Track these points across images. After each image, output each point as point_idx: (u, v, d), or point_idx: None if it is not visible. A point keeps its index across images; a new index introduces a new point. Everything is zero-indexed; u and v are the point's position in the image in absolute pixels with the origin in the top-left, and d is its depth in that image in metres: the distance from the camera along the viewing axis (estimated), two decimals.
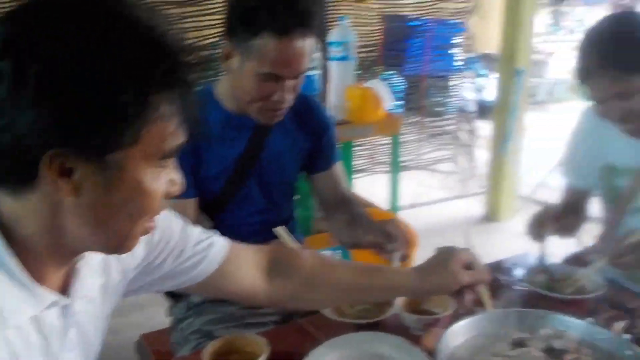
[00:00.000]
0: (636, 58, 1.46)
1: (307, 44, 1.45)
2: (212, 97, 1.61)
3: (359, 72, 4.18)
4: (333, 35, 2.41)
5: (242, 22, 1.44)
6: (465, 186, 4.71)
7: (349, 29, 2.47)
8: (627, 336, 1.17)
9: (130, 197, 0.75)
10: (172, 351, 1.65)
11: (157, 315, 1.74)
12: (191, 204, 1.59)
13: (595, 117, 1.64)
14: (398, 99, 4.83)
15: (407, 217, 4.03)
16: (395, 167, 2.68)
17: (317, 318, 1.40)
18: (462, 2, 4.40)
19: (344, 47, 2.40)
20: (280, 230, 1.47)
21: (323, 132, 1.74)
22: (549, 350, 1.05)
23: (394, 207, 2.67)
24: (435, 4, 4.33)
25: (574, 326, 1.16)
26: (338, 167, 1.79)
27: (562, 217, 1.66)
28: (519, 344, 1.06)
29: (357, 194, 2.87)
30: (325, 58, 2.47)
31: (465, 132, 4.62)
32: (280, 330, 1.44)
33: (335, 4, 3.82)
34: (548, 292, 1.46)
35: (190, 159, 1.56)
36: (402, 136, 4.36)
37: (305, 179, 1.81)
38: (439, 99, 4.76)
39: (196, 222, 1.57)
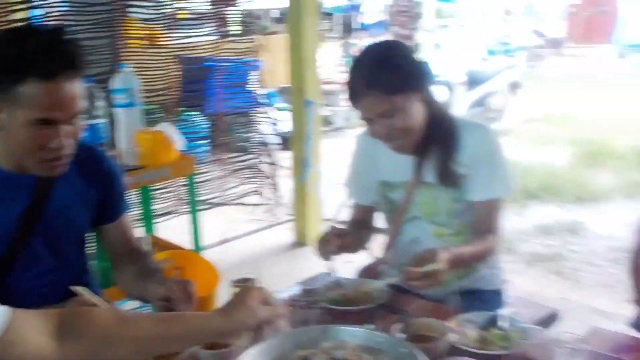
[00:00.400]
0: (394, 80, 1.64)
1: (76, 86, 1.43)
2: None
3: (161, 115, 4.20)
4: (116, 83, 2.40)
5: (3, 72, 1.39)
6: (273, 216, 4.87)
7: (132, 75, 2.48)
8: (402, 335, 1.32)
9: None
10: None
11: None
12: None
13: (368, 138, 1.81)
14: (202, 138, 4.93)
15: (218, 253, 4.10)
16: (194, 206, 2.72)
17: None
18: (247, 42, 4.60)
19: (128, 94, 2.40)
20: (79, 289, 1.43)
21: (110, 181, 1.71)
22: None
23: (197, 247, 2.70)
24: (221, 45, 4.48)
25: (353, 335, 1.29)
26: (126, 218, 1.77)
27: (346, 234, 1.77)
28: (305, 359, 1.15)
29: (165, 241, 2.87)
30: (110, 106, 2.45)
31: (268, 164, 4.80)
32: None
33: (120, 49, 3.78)
34: (337, 306, 1.59)
35: None
36: (207, 174, 4.45)
37: (94, 231, 1.76)
38: (240, 134, 4.90)
39: None
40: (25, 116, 1.39)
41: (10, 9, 3.30)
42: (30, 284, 1.59)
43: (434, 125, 1.75)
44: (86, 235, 1.74)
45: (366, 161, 1.94)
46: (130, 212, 1.81)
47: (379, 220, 2.02)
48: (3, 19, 3.17)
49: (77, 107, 1.44)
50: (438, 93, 1.82)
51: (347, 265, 1.89)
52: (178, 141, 2.44)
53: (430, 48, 8.66)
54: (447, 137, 1.76)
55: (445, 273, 1.52)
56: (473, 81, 7.91)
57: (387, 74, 1.65)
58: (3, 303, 1.49)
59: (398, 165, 1.83)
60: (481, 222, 1.78)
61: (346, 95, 1.74)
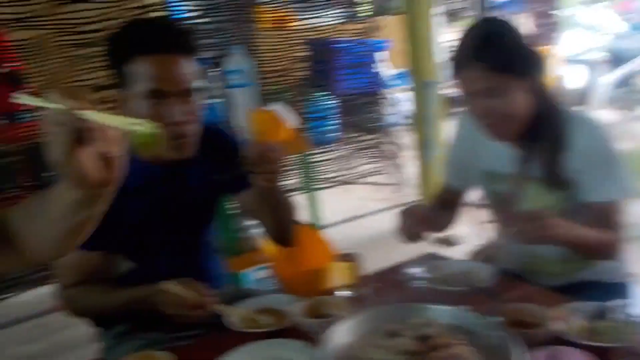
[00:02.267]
0: (500, 57, 1.58)
1: (183, 62, 1.51)
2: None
3: (290, 95, 4.33)
4: (230, 64, 2.50)
5: (115, 58, 1.52)
6: (400, 196, 4.86)
7: (245, 56, 2.57)
8: (496, 319, 1.29)
9: None
10: None
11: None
12: (97, 255, 1.62)
13: (470, 122, 1.75)
14: (329, 118, 5.02)
15: (342, 231, 4.18)
16: (310, 184, 2.79)
17: (226, 331, 1.49)
18: (375, 22, 4.59)
19: (242, 74, 2.49)
20: (166, 285, 1.52)
21: (235, 152, 1.73)
22: (422, 338, 1.16)
23: (315, 223, 2.77)
24: (349, 26, 4.50)
25: (444, 314, 1.28)
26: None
27: (430, 214, 1.75)
28: (392, 334, 1.17)
29: None
30: (226, 86, 2.56)
31: (392, 144, 4.79)
32: (195, 346, 1.53)
33: (245, 32, 3.93)
34: (440, 286, 1.58)
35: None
36: (332, 152, 4.53)
37: (230, 200, 1.87)
38: (366, 115, 4.93)
39: (99, 268, 1.65)
40: (136, 92, 1.49)
41: None
42: (163, 261, 1.72)
43: (541, 118, 1.66)
44: (213, 216, 1.85)
45: (467, 146, 1.87)
46: None
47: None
48: (137, 4, 3.37)
49: (186, 82, 1.51)
50: (577, 73, 1.72)
51: (456, 249, 1.87)
52: (290, 119, 2.49)
53: (570, 25, 8.09)
54: (556, 133, 1.66)
55: (552, 226, 1.47)
56: (616, 60, 7.30)
57: (494, 50, 1.59)
58: (138, 280, 1.66)
59: (502, 156, 1.76)
60: (598, 224, 1.64)
61: (450, 65, 1.67)
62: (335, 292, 1.64)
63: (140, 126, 0.95)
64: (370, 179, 4.86)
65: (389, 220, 4.38)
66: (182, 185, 1.70)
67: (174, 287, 1.48)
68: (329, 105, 4.99)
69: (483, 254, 1.96)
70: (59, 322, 3.36)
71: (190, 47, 1.55)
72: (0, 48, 3.22)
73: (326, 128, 4.90)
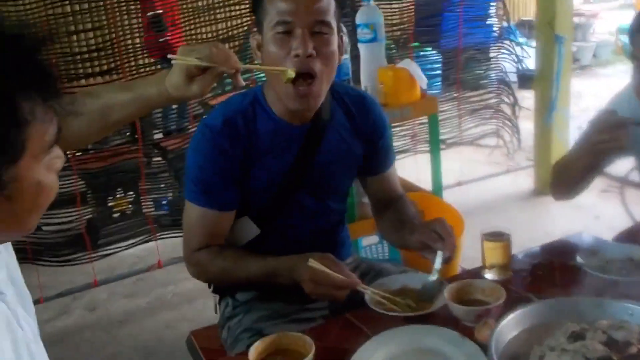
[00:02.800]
0: None
1: None
2: (262, 103, 1.55)
3: (394, 50, 4.11)
4: (360, 17, 2.34)
5: None
6: (512, 160, 4.59)
7: (376, 9, 2.39)
8: None
9: (33, 197, 0.81)
10: (222, 349, 1.65)
11: (206, 309, 1.75)
12: (229, 216, 1.57)
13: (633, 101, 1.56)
14: (435, 75, 4.76)
15: (453, 196, 3.99)
16: (435, 147, 2.61)
17: (365, 312, 1.37)
18: None
19: (372, 29, 2.32)
20: (312, 263, 1.37)
21: (380, 136, 1.67)
22: (610, 343, 0.99)
23: (437, 189, 2.60)
24: None
25: (629, 312, 1.09)
26: (392, 170, 1.74)
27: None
28: (576, 336, 1.00)
29: (405, 181, 2.83)
30: (355, 41, 2.41)
31: (507, 104, 4.48)
32: (328, 325, 1.41)
33: None
34: (604, 274, 1.39)
35: (237, 172, 1.52)
36: (442, 113, 4.29)
37: (358, 179, 1.76)
38: (478, 71, 4.63)
39: (228, 229, 1.58)
40: (269, 25, 1.41)
41: None
42: (292, 229, 1.63)
43: None
44: (349, 188, 1.75)
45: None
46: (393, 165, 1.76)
47: None
48: None
49: (319, 14, 1.40)
50: None
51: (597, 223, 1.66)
52: (421, 79, 2.33)
53: None
54: None
55: None
56: None
57: None
58: (264, 245, 1.58)
59: None
60: None
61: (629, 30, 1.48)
62: (483, 274, 1.49)
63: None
64: (481, 141, 4.60)
65: (499, 186, 4.18)
66: (323, 147, 1.57)
67: (320, 265, 1.35)
68: (437, 62, 4.73)
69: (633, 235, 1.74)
70: (164, 278, 3.45)
71: None
72: None
73: (433, 86, 4.66)
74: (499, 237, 1.48)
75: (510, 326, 1.11)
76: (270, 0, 1.41)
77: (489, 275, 1.48)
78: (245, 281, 1.53)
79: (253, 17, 1.53)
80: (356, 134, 1.62)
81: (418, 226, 1.50)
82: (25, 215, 0.82)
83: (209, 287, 1.74)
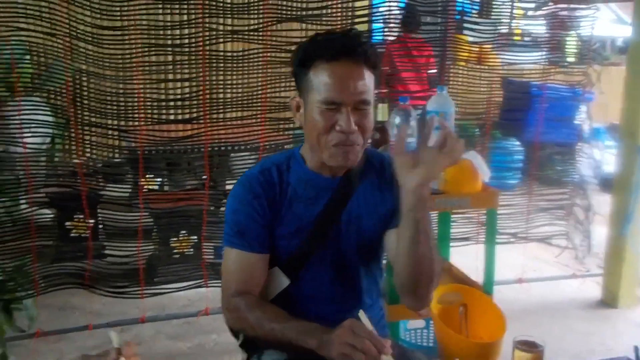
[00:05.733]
0: None
1: (361, 73, 1.51)
2: (297, 158, 1.67)
3: (476, 137, 4.11)
4: (430, 105, 2.38)
5: (298, 64, 1.55)
6: (581, 265, 4.40)
7: (448, 98, 2.42)
8: None
9: None
10: None
11: None
12: (262, 259, 1.63)
13: None
14: (514, 168, 4.70)
15: (513, 292, 3.86)
16: (491, 242, 2.56)
17: None
18: (581, 71, 4.19)
19: (442, 117, 2.35)
20: (362, 314, 1.40)
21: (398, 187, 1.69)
22: None
23: (488, 283, 2.53)
24: (551, 72, 4.15)
25: None
26: None
27: None
28: None
29: (458, 271, 2.78)
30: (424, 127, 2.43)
31: (582, 206, 4.34)
32: None
33: (444, 70, 3.79)
34: None
35: (268, 216, 1.61)
36: (512, 206, 4.20)
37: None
38: (557, 169, 4.53)
39: (264, 277, 1.63)
40: (314, 100, 1.52)
41: (351, 19, 3.55)
42: (316, 285, 1.66)
43: None
44: (378, 248, 1.73)
45: None
46: None
47: None
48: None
49: (362, 95, 1.52)
50: None
51: None
52: (484, 172, 2.33)
53: None
54: None
55: None
56: None
57: None
58: (292, 298, 1.61)
59: None
60: None
61: None
62: None
63: None
64: (549, 240, 4.45)
65: (566, 290, 4.01)
66: (352, 201, 1.65)
67: (366, 319, 1.37)
68: (517, 154, 4.67)
69: None
70: (209, 325, 3.48)
71: (372, 59, 1.54)
72: None
73: (509, 177, 4.60)
74: (532, 348, 1.43)
75: None
76: (317, 75, 1.52)
77: None
78: (277, 336, 1.53)
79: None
80: (385, 192, 1.66)
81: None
82: None
83: (238, 340, 1.75)
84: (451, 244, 3.29)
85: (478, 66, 4.05)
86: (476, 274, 2.79)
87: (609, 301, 3.91)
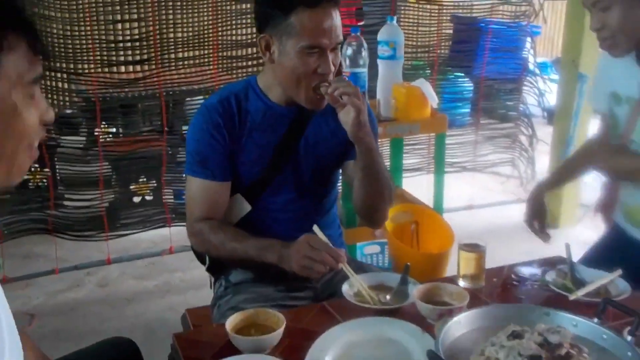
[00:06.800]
0: None
1: (337, 15, 1.59)
2: (254, 88, 1.72)
3: (426, 72, 4.22)
4: (381, 35, 2.46)
5: (274, 6, 1.57)
6: (526, 191, 4.64)
7: (398, 28, 2.51)
8: (630, 338, 1.18)
9: (5, 118, 0.88)
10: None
11: (210, 296, 1.88)
12: (224, 187, 1.72)
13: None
14: (463, 100, 4.84)
15: (462, 218, 4.06)
16: (440, 166, 2.71)
17: (340, 302, 1.49)
18: (526, 5, 4.33)
19: (391, 47, 2.44)
20: (316, 229, 1.54)
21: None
22: (545, 344, 1.08)
23: (438, 207, 2.69)
24: (498, 7, 4.28)
25: (574, 324, 1.19)
26: None
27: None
28: (516, 335, 1.10)
29: (409, 195, 2.93)
30: (375, 57, 2.52)
31: (527, 136, 4.55)
32: (305, 310, 1.53)
33: (395, 2, 3.86)
34: (564, 291, 1.49)
35: (229, 144, 1.68)
36: (462, 137, 4.38)
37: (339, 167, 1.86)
38: (504, 101, 4.71)
39: (227, 203, 1.72)
40: (296, 45, 1.56)
41: None
42: (279, 207, 1.76)
43: None
44: (334, 173, 1.86)
45: (603, 69, 1.86)
46: None
47: None
48: None
49: (339, 36, 1.60)
50: None
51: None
52: (432, 98, 2.44)
53: None
54: None
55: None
56: None
57: None
58: (255, 222, 1.72)
59: (631, 78, 1.70)
60: None
61: None
62: (457, 281, 1.59)
63: None
64: (496, 169, 4.66)
65: (511, 214, 4.22)
66: (309, 129, 1.74)
67: (321, 233, 1.51)
68: (466, 88, 4.82)
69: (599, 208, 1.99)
70: (173, 264, 3.59)
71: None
72: None
73: (460, 111, 4.75)
74: (474, 248, 1.58)
75: (461, 323, 1.21)
76: (300, 21, 1.55)
77: (461, 282, 1.58)
78: (240, 255, 1.65)
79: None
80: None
81: None
82: None
83: (205, 265, 1.86)
84: (404, 174, 3.43)
85: (429, 2, 4.13)
86: (427, 202, 2.95)
87: (551, 222, 4.12)
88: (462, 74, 4.76)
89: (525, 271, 1.66)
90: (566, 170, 2.05)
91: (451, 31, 4.39)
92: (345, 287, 1.50)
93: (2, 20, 0.87)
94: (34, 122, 0.92)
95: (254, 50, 3.47)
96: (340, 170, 1.87)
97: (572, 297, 1.46)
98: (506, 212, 4.40)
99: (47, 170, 3.54)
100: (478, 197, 4.50)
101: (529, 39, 4.58)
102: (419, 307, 1.41)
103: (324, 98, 1.61)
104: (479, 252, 1.58)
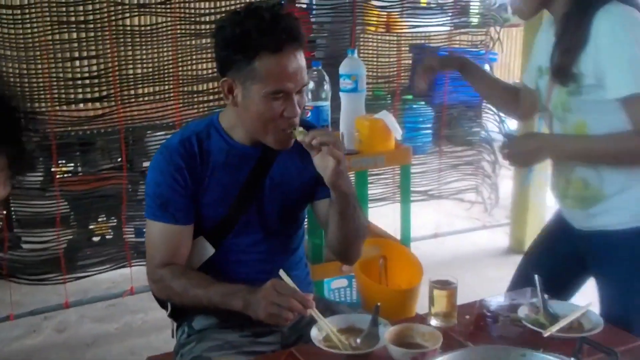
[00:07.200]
0: None
1: (302, 58, 1.55)
2: (217, 127, 1.67)
3: (389, 101, 4.24)
4: (343, 68, 2.45)
5: (237, 52, 1.52)
6: (490, 217, 4.67)
7: (359, 61, 2.51)
8: None
9: None
10: None
11: (173, 340, 1.81)
12: (187, 230, 1.65)
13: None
14: (424, 128, 4.87)
15: (429, 247, 4.06)
16: (406, 197, 2.69)
17: (309, 348, 1.43)
18: (483, 34, 4.41)
19: (353, 79, 2.43)
20: (282, 273, 1.49)
21: None
22: None
23: (405, 238, 2.67)
24: (455, 36, 4.34)
25: None
26: None
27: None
28: None
29: (375, 227, 2.90)
30: (337, 89, 2.51)
31: (490, 162, 4.59)
32: (272, 356, 1.46)
33: (354, 34, 3.88)
34: (538, 328, 1.46)
35: (191, 186, 1.62)
36: (425, 165, 4.39)
37: (309, 207, 1.83)
38: (465, 128, 4.76)
39: (189, 247, 1.65)
40: (262, 90, 1.52)
41: None
42: (244, 249, 1.70)
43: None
44: (301, 212, 1.82)
45: (535, 45, 1.86)
46: None
47: None
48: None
49: (305, 78, 1.57)
50: None
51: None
52: (396, 130, 2.43)
53: None
54: (576, 24, 1.58)
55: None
56: None
57: None
58: (219, 265, 1.65)
59: (548, 49, 1.69)
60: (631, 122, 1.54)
61: None
62: (428, 320, 1.55)
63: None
64: (460, 196, 4.69)
65: (477, 241, 4.24)
66: (274, 169, 1.69)
67: (288, 278, 1.46)
68: (427, 116, 4.86)
69: None
70: (135, 305, 3.47)
71: (304, 40, 1.57)
72: None
73: (421, 139, 4.77)
74: (446, 285, 1.55)
75: None
76: (263, 66, 1.50)
77: (433, 321, 1.54)
78: (203, 302, 1.58)
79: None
80: (306, 158, 1.66)
81: None
82: None
83: (167, 311, 1.78)
84: (369, 205, 3.41)
85: (387, 32, 4.16)
86: (394, 232, 2.93)
87: (517, 247, 4.17)
88: (423, 102, 4.81)
89: (497, 306, 1.63)
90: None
91: (410, 61, 4.43)
92: (314, 332, 1.45)
93: None
94: None
95: (216, 84, 3.43)
96: (307, 208, 1.83)
97: (546, 333, 1.44)
98: (472, 239, 4.43)
99: (3, 211, 3.41)
100: (444, 224, 4.51)
101: (487, 66, 4.66)
102: (390, 351, 1.36)
103: (291, 138, 1.58)
104: (450, 289, 1.54)
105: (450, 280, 1.56)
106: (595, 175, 1.65)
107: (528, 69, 1.90)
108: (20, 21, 3.13)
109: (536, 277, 1.61)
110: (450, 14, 4.32)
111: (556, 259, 1.88)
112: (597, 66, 1.54)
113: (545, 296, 1.59)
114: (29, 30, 3.14)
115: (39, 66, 3.22)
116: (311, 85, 2.36)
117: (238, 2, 3.47)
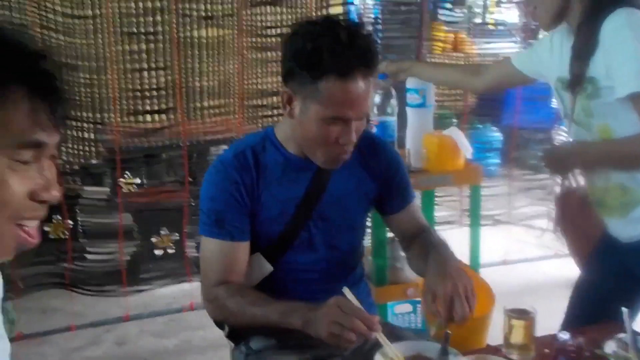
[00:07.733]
0: None
1: (369, 85, 1.45)
2: (272, 140, 1.60)
3: (453, 121, 4.12)
4: (410, 83, 2.36)
5: (303, 67, 1.43)
6: (563, 245, 4.43)
7: None
8: None
9: None
10: None
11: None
12: (243, 247, 1.58)
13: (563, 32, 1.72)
14: (493, 150, 4.72)
15: (497, 274, 3.86)
16: (476, 220, 2.55)
17: None
18: None
19: (421, 94, 2.34)
20: (346, 291, 1.38)
21: (394, 172, 1.69)
22: None
23: (475, 263, 2.53)
24: None
25: None
26: (413, 207, 1.74)
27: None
28: None
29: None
30: (403, 105, 2.42)
31: (563, 187, 4.37)
32: None
33: (423, 50, 3.80)
34: None
35: (247, 202, 1.55)
36: (494, 188, 4.22)
37: (382, 220, 1.78)
38: (536, 151, 4.57)
39: (246, 265, 1.58)
40: (320, 113, 1.44)
41: (326, 3, 3.51)
42: (303, 267, 1.63)
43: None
44: (362, 228, 1.75)
45: (556, 58, 1.76)
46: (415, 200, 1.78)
47: None
48: (319, 13, 3.41)
49: (368, 106, 1.51)
50: None
51: None
52: (466, 149, 2.31)
53: None
54: (585, 31, 1.58)
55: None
56: None
57: None
58: (276, 284, 1.57)
59: (567, 60, 1.67)
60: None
61: None
62: (503, 351, 1.42)
63: None
64: (531, 222, 4.48)
65: (549, 270, 4.01)
66: (332, 182, 1.61)
67: (351, 295, 1.34)
68: (495, 137, 4.71)
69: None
70: (194, 321, 3.44)
71: (376, 65, 1.49)
72: None
73: (490, 161, 4.62)
74: (523, 315, 1.42)
75: None
76: (327, 89, 1.41)
77: (509, 353, 1.41)
78: (260, 321, 1.49)
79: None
80: (367, 170, 1.64)
81: (430, 269, 1.46)
82: None
83: (224, 331, 1.71)
84: (435, 228, 3.28)
85: (456, 50, 4.07)
86: (461, 257, 2.79)
87: None
88: (491, 124, 4.67)
89: (580, 340, 1.48)
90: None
91: None
92: (377, 358, 1.34)
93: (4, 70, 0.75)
94: (18, 193, 0.79)
95: (280, 99, 3.41)
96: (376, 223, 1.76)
97: None
98: (543, 268, 4.20)
99: (68, 221, 3.46)
100: (513, 251, 4.31)
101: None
102: None
103: (340, 160, 1.51)
104: (528, 318, 1.41)
105: (527, 310, 1.43)
106: (631, 179, 1.63)
107: (528, 65, 1.91)
108: (92, 31, 3.19)
109: (624, 310, 1.46)
110: (518, 37, 4.19)
111: (607, 281, 1.80)
112: (608, 67, 1.55)
113: (635, 330, 1.44)
114: (100, 41, 3.20)
115: (109, 77, 3.26)
116: (377, 99, 2.28)
117: (305, 15, 3.44)
